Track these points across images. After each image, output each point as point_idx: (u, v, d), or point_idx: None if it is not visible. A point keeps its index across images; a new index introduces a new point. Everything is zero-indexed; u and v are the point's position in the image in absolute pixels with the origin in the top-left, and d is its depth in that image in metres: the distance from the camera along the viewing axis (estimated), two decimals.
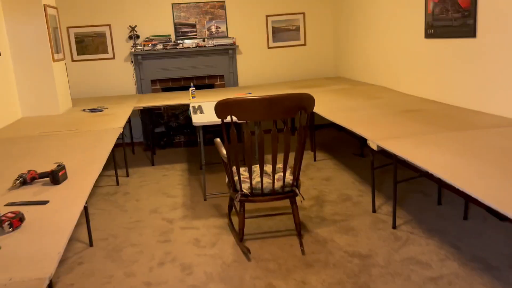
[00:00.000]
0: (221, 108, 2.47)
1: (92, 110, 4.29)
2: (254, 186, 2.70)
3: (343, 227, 3.03)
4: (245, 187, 2.74)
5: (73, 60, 5.45)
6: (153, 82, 5.62)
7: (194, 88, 4.63)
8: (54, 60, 4.19)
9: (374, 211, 3.24)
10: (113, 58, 5.52)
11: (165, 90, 5.68)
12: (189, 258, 2.75)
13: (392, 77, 4.42)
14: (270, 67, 5.83)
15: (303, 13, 5.76)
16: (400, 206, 3.28)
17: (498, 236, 2.73)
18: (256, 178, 2.76)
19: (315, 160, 4.63)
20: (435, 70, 3.65)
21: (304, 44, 5.85)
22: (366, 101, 3.87)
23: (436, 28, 3.52)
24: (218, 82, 5.76)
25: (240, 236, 2.84)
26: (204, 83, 5.72)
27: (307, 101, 2.50)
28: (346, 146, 5.14)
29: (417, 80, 3.94)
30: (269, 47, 5.79)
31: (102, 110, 4.29)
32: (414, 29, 3.88)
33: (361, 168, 4.27)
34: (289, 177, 2.77)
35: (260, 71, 5.82)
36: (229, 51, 5.61)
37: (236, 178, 2.76)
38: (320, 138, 5.57)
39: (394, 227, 2.97)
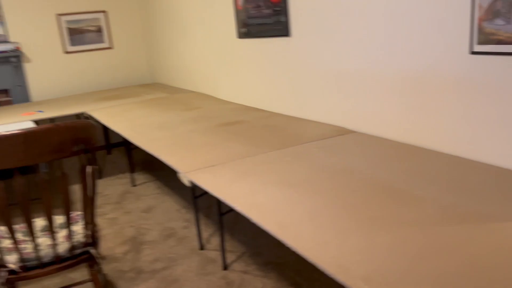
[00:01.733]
0: None
1: None
2: (27, 256, 1.88)
3: (165, 279, 2.40)
4: (13, 259, 1.90)
5: None
6: None
7: None
8: None
9: (201, 247, 2.70)
10: None
11: None
12: None
13: (211, 83, 3.94)
14: (70, 76, 4.86)
15: (105, 12, 4.92)
16: (232, 236, 2.80)
17: None
18: (33, 242, 1.94)
19: (134, 185, 3.91)
20: (251, 74, 3.27)
21: (111, 48, 5.02)
22: (181, 113, 3.30)
23: (251, 26, 3.13)
24: (3, 99, 4.57)
25: None
26: None
27: (85, 132, 1.78)
28: None
29: (235, 85, 3.53)
30: (66, 52, 4.80)
31: None
32: (226, 28, 3.45)
33: (187, 189, 3.70)
34: (79, 234, 2.02)
35: (58, 81, 4.81)
36: (12, 59, 4.47)
37: None
38: (141, 154, 4.84)
39: (225, 267, 2.46)
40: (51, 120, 3.78)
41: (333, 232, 1.34)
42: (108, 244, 2.86)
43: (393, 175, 1.76)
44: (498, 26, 1.64)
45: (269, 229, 1.40)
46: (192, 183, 1.91)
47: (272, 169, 1.93)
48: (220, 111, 3.27)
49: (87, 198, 1.91)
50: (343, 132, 2.45)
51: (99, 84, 5.01)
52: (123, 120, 3.21)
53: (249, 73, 3.32)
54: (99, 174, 4.26)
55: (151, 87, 4.80)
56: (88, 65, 4.93)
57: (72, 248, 1.97)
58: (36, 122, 3.43)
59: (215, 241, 2.75)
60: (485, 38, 1.70)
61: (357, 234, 1.32)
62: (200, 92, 4.17)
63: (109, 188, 3.89)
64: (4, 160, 1.68)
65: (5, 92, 4.55)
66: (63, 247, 1.96)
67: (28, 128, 1.68)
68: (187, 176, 1.93)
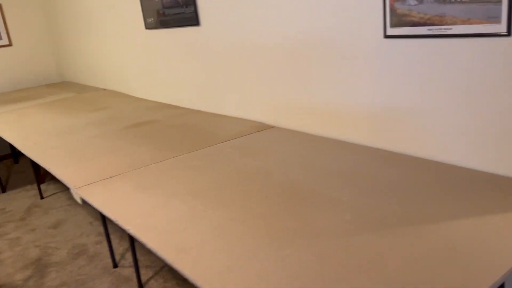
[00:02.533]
0: None
1: None
2: None
3: None
4: None
5: None
6: None
7: None
8: None
9: (115, 265, 2.41)
10: None
11: None
12: None
13: (123, 79, 3.61)
14: None
15: None
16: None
17: None
18: None
19: (42, 197, 3.50)
20: (163, 69, 2.99)
21: (10, 45, 4.50)
22: (88, 115, 2.96)
23: (158, 15, 2.84)
24: None
25: None
26: None
27: None
28: None
29: (148, 81, 3.24)
30: None
31: None
32: (134, 18, 3.13)
33: None
34: None
35: None
36: None
37: None
38: None
39: (141, 286, 2.20)
40: None
41: (238, 252, 1.14)
42: (7, 270, 2.50)
43: (310, 175, 1.59)
44: (411, 6, 1.51)
45: (166, 256, 1.17)
46: (83, 200, 1.64)
47: (179, 177, 1.70)
48: (132, 110, 2.97)
49: None
50: (261, 128, 2.26)
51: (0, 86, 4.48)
52: (19, 127, 2.82)
53: (161, 68, 3.04)
54: (2, 187, 3.79)
55: (59, 87, 4.36)
56: None
57: None
58: None
59: (130, 256, 2.48)
60: (398, 20, 1.56)
61: (266, 251, 1.12)
62: (112, 90, 3.82)
63: (13, 203, 3.46)
64: None
65: None
66: None
67: None
68: (78, 192, 1.65)
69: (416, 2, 1.50)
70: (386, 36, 1.62)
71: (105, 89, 3.89)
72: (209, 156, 1.91)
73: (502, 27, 1.32)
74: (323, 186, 1.49)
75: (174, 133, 2.33)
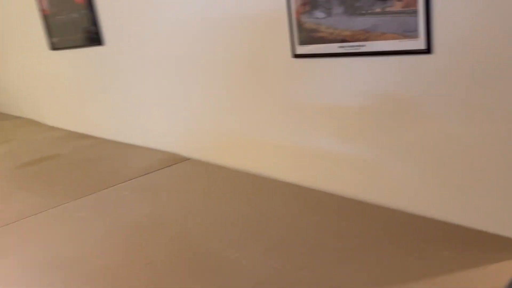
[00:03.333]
0: None
1: None
2: None
3: None
4: None
5: None
6: None
7: None
8: None
9: None
10: None
11: None
12: None
13: (34, 106, 3.23)
14: None
15: None
16: None
17: None
18: None
19: None
20: (73, 94, 2.65)
21: None
22: None
23: (61, 35, 2.51)
24: None
25: None
26: None
27: None
28: None
29: (60, 108, 2.88)
30: None
31: None
32: (37, 38, 2.78)
33: None
34: None
35: None
36: None
37: None
38: None
39: None
40: None
41: None
42: None
43: (212, 226, 1.30)
44: (319, 20, 1.27)
45: None
46: None
47: (49, 237, 1.37)
48: (38, 143, 2.60)
49: None
50: (174, 160, 1.96)
51: None
52: None
53: (69, 92, 2.70)
54: None
55: None
56: None
57: None
58: None
59: None
60: (306, 36, 1.31)
61: None
62: (26, 118, 3.42)
63: None
64: None
65: None
66: None
67: None
68: None
69: (323, 15, 1.26)
70: (295, 56, 1.37)
71: (19, 117, 3.48)
72: (99, 203, 1.58)
73: (419, 43, 1.08)
74: (223, 242, 1.20)
75: (72, 171, 1.99)
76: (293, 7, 1.32)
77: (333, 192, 1.42)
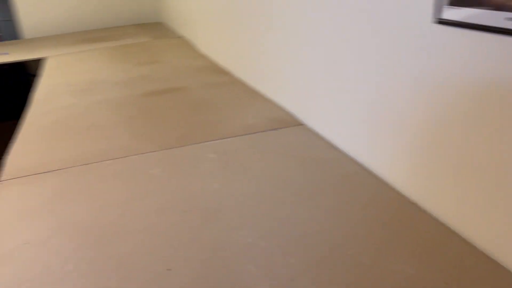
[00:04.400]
0: None
1: None
2: None
3: None
4: None
5: None
6: None
7: None
8: None
9: None
10: None
11: None
12: None
13: (192, 30, 3.20)
14: (66, 11, 4.31)
15: None
16: None
17: None
18: None
19: None
20: (222, 23, 2.48)
21: None
22: (132, 69, 2.64)
23: None
24: None
25: None
26: None
27: None
28: None
29: (210, 36, 2.77)
30: None
31: None
32: None
33: None
34: None
35: (53, 18, 4.30)
36: None
37: None
38: None
39: None
40: (11, 64, 3.32)
41: None
42: None
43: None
44: None
45: None
46: None
47: (102, 188, 1.26)
48: (175, 70, 2.56)
49: None
50: (285, 123, 1.67)
51: (98, 21, 4.43)
52: (57, 75, 2.64)
53: (222, 23, 2.54)
54: None
55: (145, 28, 4.14)
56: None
57: None
58: None
59: None
60: None
61: None
62: (184, 39, 3.45)
63: None
64: None
65: None
66: None
67: None
68: None
69: None
70: (440, 21, 0.89)
71: (181, 38, 3.54)
72: (175, 161, 1.41)
73: None
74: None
75: (182, 112, 1.86)
76: None
77: None
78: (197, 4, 2.91)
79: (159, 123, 1.74)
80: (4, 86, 4.20)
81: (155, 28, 4.11)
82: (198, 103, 1.95)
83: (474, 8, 0.80)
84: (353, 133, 1.33)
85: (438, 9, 0.88)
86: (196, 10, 2.97)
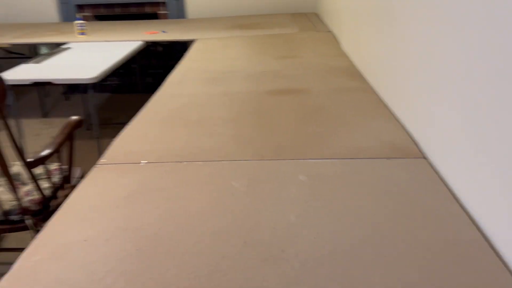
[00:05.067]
0: None
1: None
2: None
3: None
4: None
5: None
6: (80, 7, 4.58)
7: (82, 21, 3.54)
8: None
9: None
10: None
11: (99, 18, 4.64)
12: None
13: (338, 25, 2.99)
14: None
15: None
16: None
17: None
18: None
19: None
20: (363, 22, 2.23)
21: None
22: (269, 62, 2.58)
23: None
24: (161, 11, 4.58)
25: None
26: (144, 12, 4.57)
27: None
28: None
29: (351, 33, 2.54)
30: None
31: None
32: None
33: None
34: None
35: (214, 0, 4.50)
36: None
37: None
38: None
39: None
40: (166, 43, 3.56)
41: None
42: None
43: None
44: None
45: None
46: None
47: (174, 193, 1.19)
48: (309, 68, 2.42)
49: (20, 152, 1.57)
50: (404, 152, 1.41)
51: (255, 7, 4.51)
52: (199, 59, 2.71)
53: (363, 22, 2.30)
54: None
55: (298, 18, 4.05)
56: None
57: (6, 213, 1.72)
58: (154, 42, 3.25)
59: None
60: None
61: None
62: (331, 33, 3.26)
63: None
64: None
65: (162, 4, 4.53)
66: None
67: None
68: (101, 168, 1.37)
69: None
70: None
71: (328, 32, 3.36)
72: (261, 177, 1.28)
73: None
74: None
75: (296, 117, 1.72)
76: None
77: None
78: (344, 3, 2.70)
79: (266, 128, 1.64)
80: (156, 62, 4.56)
81: (307, 19, 4.00)
82: (315, 110, 1.79)
83: None
84: (491, 200, 1.03)
85: None
86: (346, 4, 2.76)
